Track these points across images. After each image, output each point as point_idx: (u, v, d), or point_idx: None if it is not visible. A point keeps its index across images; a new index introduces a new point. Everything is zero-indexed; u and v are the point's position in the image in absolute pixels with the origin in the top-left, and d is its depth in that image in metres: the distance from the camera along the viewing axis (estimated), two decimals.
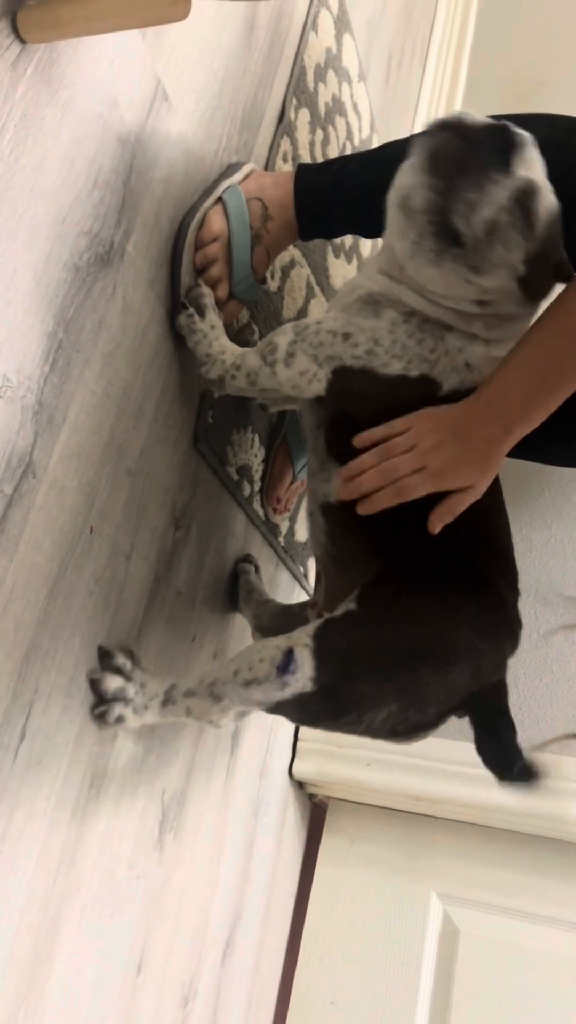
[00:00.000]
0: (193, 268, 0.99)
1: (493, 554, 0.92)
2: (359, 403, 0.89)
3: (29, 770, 0.76)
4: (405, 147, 0.91)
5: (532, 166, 0.84)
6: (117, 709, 0.84)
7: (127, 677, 0.85)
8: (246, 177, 1.07)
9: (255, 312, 1.16)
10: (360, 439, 0.87)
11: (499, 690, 0.87)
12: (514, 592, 0.93)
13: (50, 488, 0.77)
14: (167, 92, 0.95)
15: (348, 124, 1.53)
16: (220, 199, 1.02)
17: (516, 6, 2.19)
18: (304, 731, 1.44)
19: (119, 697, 0.84)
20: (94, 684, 0.84)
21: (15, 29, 0.71)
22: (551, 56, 2.12)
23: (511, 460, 1.35)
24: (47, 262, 0.76)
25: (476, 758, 1.36)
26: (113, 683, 0.84)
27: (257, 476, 1.19)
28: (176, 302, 0.97)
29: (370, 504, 0.86)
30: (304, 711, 0.83)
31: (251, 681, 0.81)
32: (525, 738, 0.86)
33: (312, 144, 1.35)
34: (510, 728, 0.86)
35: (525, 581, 1.48)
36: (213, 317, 0.97)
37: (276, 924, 1.38)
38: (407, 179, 0.85)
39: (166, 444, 0.97)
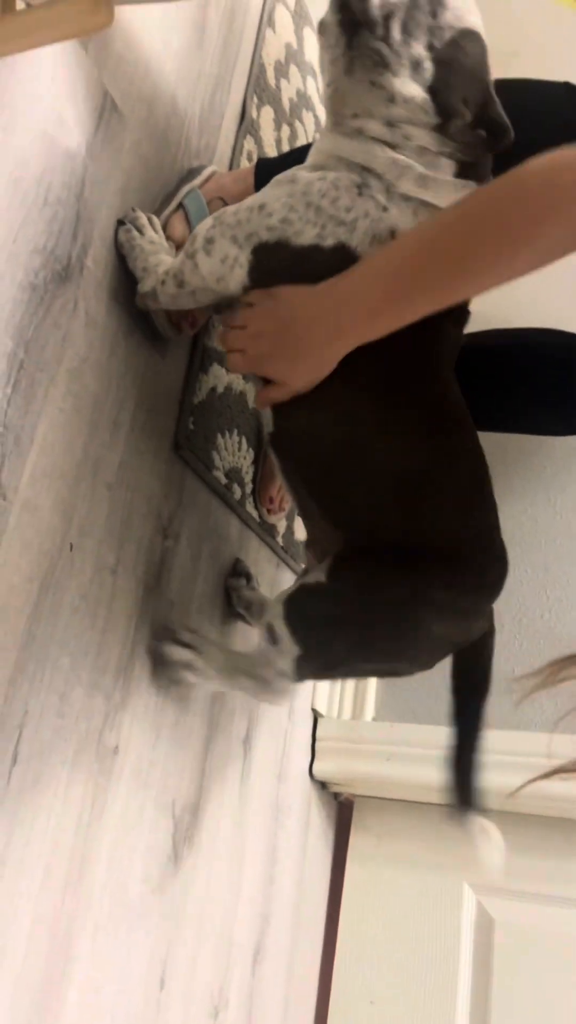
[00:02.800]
0: None
1: (462, 509, 0.87)
2: (275, 285, 0.83)
3: (24, 792, 0.76)
4: None
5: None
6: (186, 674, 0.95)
7: (194, 649, 0.95)
8: (207, 180, 1.06)
9: None
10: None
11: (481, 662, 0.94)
12: (488, 542, 0.88)
13: (23, 509, 0.77)
14: (116, 103, 0.94)
15: (316, 117, 1.51)
16: (181, 204, 1.02)
17: None
18: (321, 730, 1.43)
19: (188, 666, 0.95)
20: (161, 656, 0.94)
21: None
22: (523, 28, 2.09)
23: (508, 436, 1.33)
24: (0, 283, 0.76)
25: (495, 744, 1.34)
26: (181, 655, 0.95)
27: (248, 478, 1.18)
28: (145, 314, 0.97)
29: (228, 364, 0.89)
30: (307, 669, 0.90)
31: (262, 662, 0.91)
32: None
33: (279, 141, 1.34)
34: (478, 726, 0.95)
35: (532, 559, 1.46)
36: (152, 235, 0.94)
37: (309, 927, 1.37)
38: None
39: (146, 454, 0.96)
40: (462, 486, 0.87)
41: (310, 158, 0.87)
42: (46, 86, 0.83)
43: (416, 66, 0.79)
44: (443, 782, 0.93)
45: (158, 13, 1.04)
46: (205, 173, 1.07)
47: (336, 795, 1.49)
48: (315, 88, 1.52)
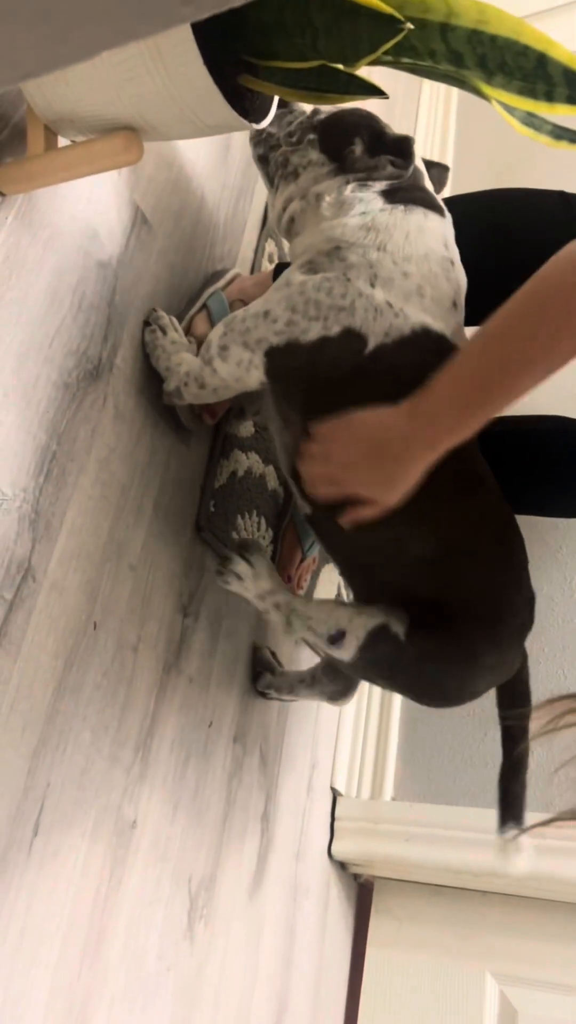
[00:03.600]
0: None
1: (498, 563, 0.96)
2: (296, 382, 0.90)
3: (45, 863, 0.79)
4: None
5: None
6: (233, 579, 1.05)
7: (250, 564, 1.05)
8: (229, 282, 1.15)
9: None
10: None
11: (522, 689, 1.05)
12: (524, 591, 0.99)
13: (51, 590, 0.82)
14: (146, 217, 1.03)
15: None
16: (204, 305, 1.10)
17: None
18: (341, 810, 1.43)
19: (241, 577, 1.04)
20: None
21: None
22: (518, 141, 2.19)
23: (523, 519, 1.38)
24: (36, 384, 0.83)
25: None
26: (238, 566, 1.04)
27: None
28: (170, 407, 1.04)
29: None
30: (340, 664, 1.00)
31: (311, 629, 0.99)
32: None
33: None
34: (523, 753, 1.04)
35: (550, 639, 1.47)
36: (174, 335, 1.01)
37: (328, 1011, 1.35)
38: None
39: (168, 536, 1.02)
40: (495, 540, 0.96)
41: (296, 262, 0.94)
42: (82, 207, 0.92)
43: (307, 142, 0.95)
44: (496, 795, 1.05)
45: (186, 140, 1.15)
46: (228, 276, 1.15)
47: (356, 876, 1.48)
48: None
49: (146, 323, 1.01)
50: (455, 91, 2.38)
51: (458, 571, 0.94)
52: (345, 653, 0.95)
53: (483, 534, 0.95)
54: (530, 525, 1.51)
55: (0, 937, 0.74)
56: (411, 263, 0.88)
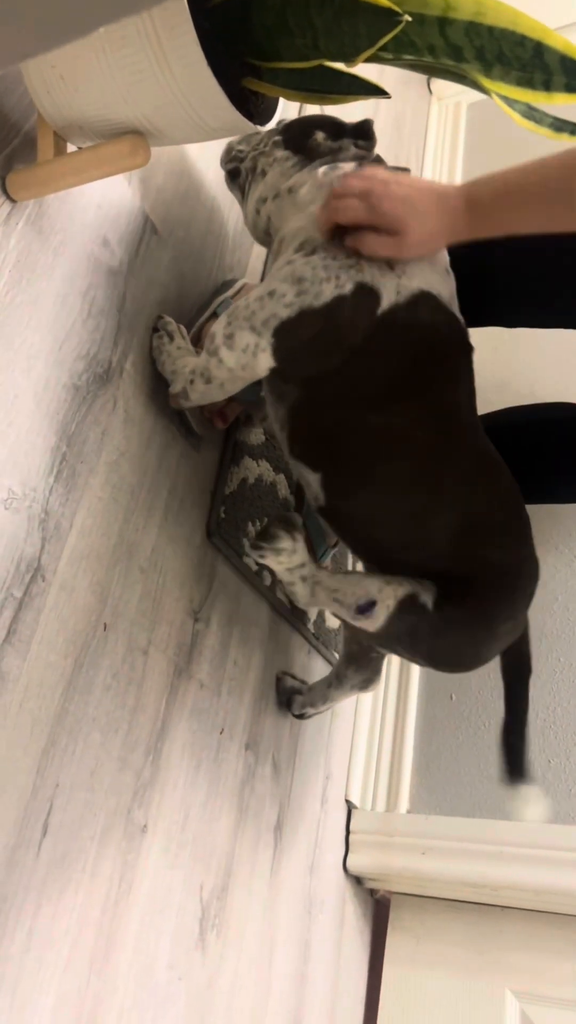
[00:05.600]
0: None
1: (509, 536, 1.01)
2: (311, 353, 0.89)
3: (54, 865, 0.78)
4: None
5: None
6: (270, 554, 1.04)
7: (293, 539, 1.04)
8: (239, 291, 1.16)
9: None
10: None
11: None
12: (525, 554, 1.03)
13: (60, 589, 0.82)
14: (156, 226, 1.05)
15: None
16: (214, 313, 1.11)
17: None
18: (355, 823, 1.41)
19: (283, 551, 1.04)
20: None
21: (5, 191, 0.82)
22: (541, 146, 2.21)
23: (540, 533, 1.38)
24: (46, 385, 0.84)
25: (534, 838, 1.31)
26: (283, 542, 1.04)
27: None
28: (180, 412, 1.05)
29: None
30: (363, 635, 1.03)
31: (338, 600, 1.00)
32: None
33: None
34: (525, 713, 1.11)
35: (567, 654, 1.46)
36: (180, 341, 1.02)
37: None
38: None
39: (178, 541, 1.02)
40: (513, 515, 1.01)
41: (289, 248, 0.95)
42: (92, 214, 0.94)
43: (271, 143, 0.98)
44: (498, 750, 1.10)
45: (195, 150, 1.17)
46: (237, 285, 1.16)
47: (372, 892, 1.46)
48: None
49: (154, 329, 1.02)
50: (464, 110, 2.41)
51: (482, 545, 0.98)
52: (373, 623, 0.97)
53: (503, 509, 0.99)
54: (545, 532, 1.50)
55: (8, 939, 0.73)
56: None
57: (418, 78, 2.34)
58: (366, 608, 0.97)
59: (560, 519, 1.56)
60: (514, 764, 1.08)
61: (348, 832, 1.41)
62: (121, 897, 0.86)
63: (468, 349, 0.96)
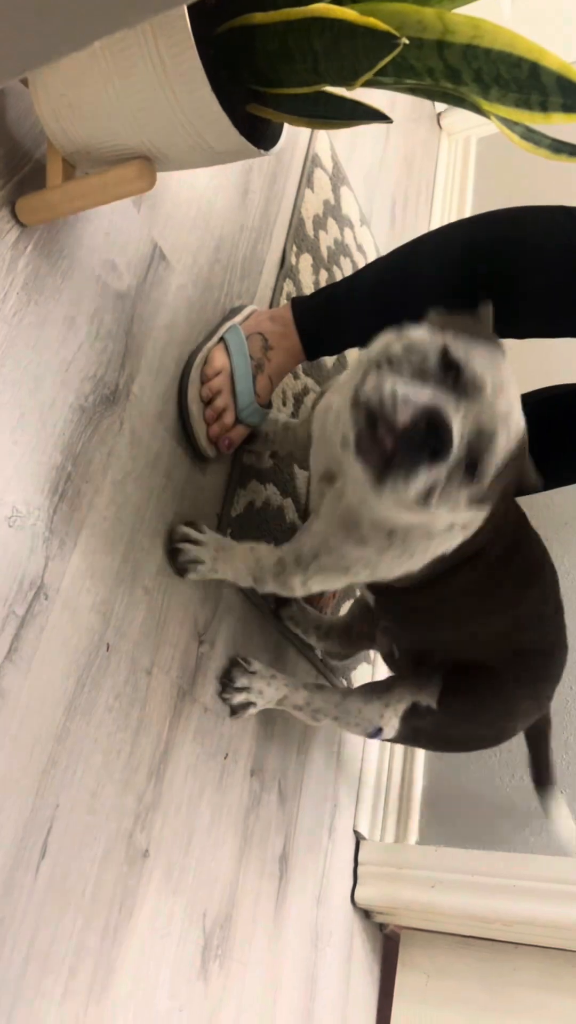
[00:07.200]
0: (200, 400, 1.07)
1: (542, 621, 1.04)
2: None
3: (52, 888, 0.77)
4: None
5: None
6: (240, 697, 1.07)
7: (251, 683, 1.07)
8: (247, 318, 1.17)
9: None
10: None
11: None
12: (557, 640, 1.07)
13: (63, 608, 0.82)
14: (164, 253, 1.07)
15: (354, 263, 1.65)
16: (222, 339, 1.12)
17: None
18: (364, 855, 1.39)
19: (245, 688, 1.07)
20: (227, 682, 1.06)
21: (14, 215, 0.83)
22: (551, 178, 2.24)
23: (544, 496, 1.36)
24: (52, 405, 0.85)
25: (547, 872, 1.28)
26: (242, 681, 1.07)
27: None
28: (187, 434, 1.05)
29: None
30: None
31: (347, 725, 1.10)
32: None
33: (316, 283, 1.47)
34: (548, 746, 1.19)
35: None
36: (210, 541, 1.00)
37: None
38: None
39: None
40: (550, 607, 1.03)
41: None
42: (100, 240, 0.95)
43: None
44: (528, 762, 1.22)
45: (204, 180, 1.19)
46: (246, 312, 1.18)
47: (382, 927, 1.43)
48: (352, 238, 1.67)
49: (172, 552, 0.99)
50: (473, 145, 2.45)
51: (520, 639, 1.02)
52: (386, 736, 1.07)
53: (546, 602, 1.03)
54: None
55: (3, 963, 0.72)
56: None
57: (428, 114, 2.39)
58: (375, 734, 1.07)
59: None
60: (543, 771, 1.20)
61: (356, 864, 1.38)
62: (121, 923, 0.85)
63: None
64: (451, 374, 0.69)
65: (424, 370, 0.70)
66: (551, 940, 1.32)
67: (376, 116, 0.73)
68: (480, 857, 1.34)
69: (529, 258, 0.89)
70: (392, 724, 1.05)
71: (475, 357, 0.70)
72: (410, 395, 0.66)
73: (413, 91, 0.68)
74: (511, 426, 0.72)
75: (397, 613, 1.05)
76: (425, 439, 0.66)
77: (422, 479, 0.68)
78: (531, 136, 0.66)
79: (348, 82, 0.64)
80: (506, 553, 0.94)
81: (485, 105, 0.63)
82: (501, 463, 0.71)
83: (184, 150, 0.76)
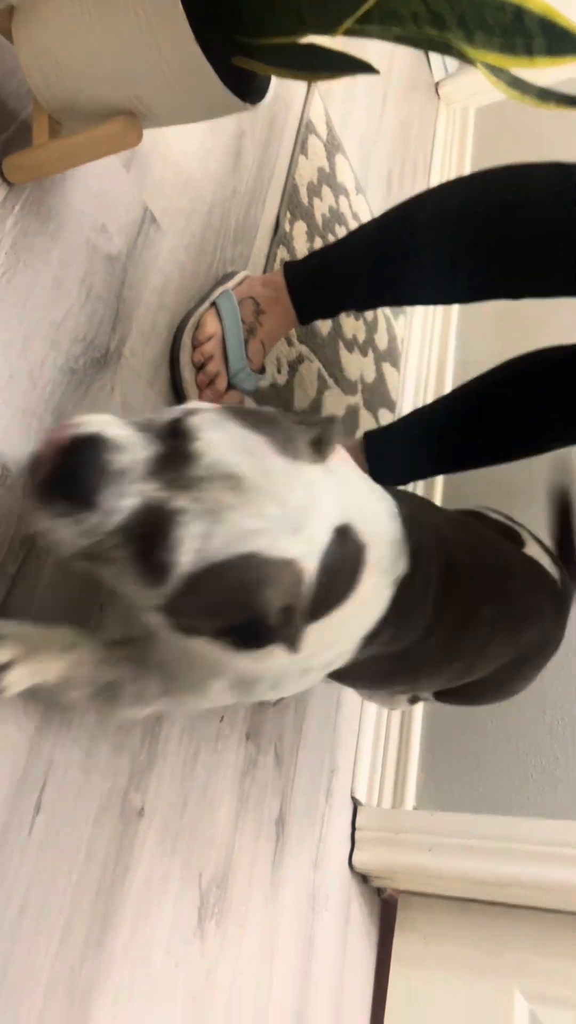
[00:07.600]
0: (192, 365, 1.07)
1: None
2: None
3: (47, 845, 0.78)
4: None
5: None
6: None
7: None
8: (239, 283, 1.16)
9: (260, 401, 1.23)
10: None
11: None
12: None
13: (55, 568, 0.83)
14: (155, 216, 1.06)
15: (348, 230, 1.64)
16: (214, 303, 1.11)
17: (513, 112, 2.34)
18: (361, 819, 1.40)
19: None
20: None
21: (1, 174, 0.83)
22: (550, 149, 2.22)
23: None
24: (42, 366, 0.85)
25: (542, 834, 1.29)
26: None
27: None
28: (179, 399, 1.05)
29: None
30: None
31: None
32: None
33: (311, 250, 1.46)
34: None
35: None
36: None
37: None
38: None
39: None
40: (552, 632, 1.09)
41: None
42: (89, 202, 0.95)
43: None
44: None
45: (195, 145, 1.18)
46: (238, 277, 1.17)
47: (379, 891, 1.44)
48: (347, 206, 1.66)
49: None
50: (471, 115, 2.42)
51: (522, 665, 1.08)
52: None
53: (544, 632, 1.06)
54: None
55: None
56: None
57: (425, 83, 2.36)
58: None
59: None
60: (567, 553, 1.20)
61: (354, 828, 1.39)
62: (116, 880, 0.86)
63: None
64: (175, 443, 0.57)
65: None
66: (548, 902, 1.33)
67: (363, 67, 0.73)
68: (477, 821, 1.35)
69: (521, 215, 0.88)
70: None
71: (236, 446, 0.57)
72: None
73: (399, 39, 0.67)
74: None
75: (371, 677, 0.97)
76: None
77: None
78: (518, 84, 0.66)
79: (332, 28, 0.64)
80: (446, 585, 0.84)
81: (470, 51, 0.63)
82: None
83: (170, 105, 0.75)
